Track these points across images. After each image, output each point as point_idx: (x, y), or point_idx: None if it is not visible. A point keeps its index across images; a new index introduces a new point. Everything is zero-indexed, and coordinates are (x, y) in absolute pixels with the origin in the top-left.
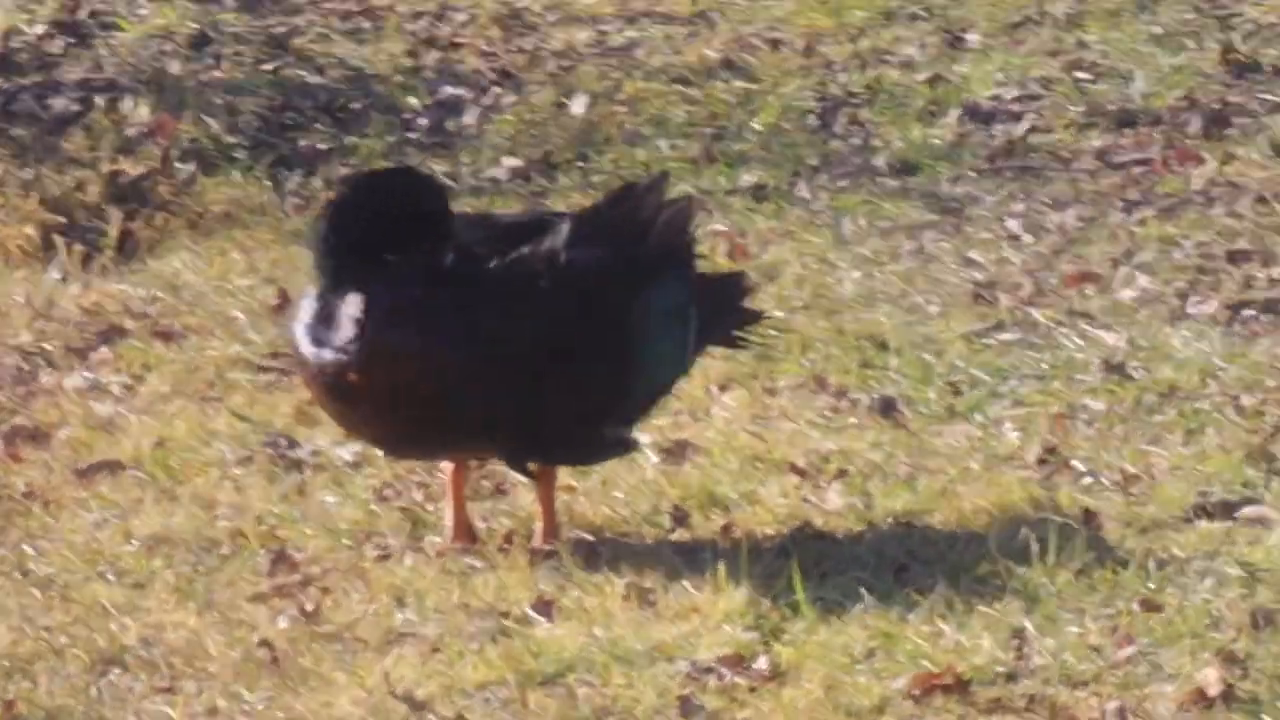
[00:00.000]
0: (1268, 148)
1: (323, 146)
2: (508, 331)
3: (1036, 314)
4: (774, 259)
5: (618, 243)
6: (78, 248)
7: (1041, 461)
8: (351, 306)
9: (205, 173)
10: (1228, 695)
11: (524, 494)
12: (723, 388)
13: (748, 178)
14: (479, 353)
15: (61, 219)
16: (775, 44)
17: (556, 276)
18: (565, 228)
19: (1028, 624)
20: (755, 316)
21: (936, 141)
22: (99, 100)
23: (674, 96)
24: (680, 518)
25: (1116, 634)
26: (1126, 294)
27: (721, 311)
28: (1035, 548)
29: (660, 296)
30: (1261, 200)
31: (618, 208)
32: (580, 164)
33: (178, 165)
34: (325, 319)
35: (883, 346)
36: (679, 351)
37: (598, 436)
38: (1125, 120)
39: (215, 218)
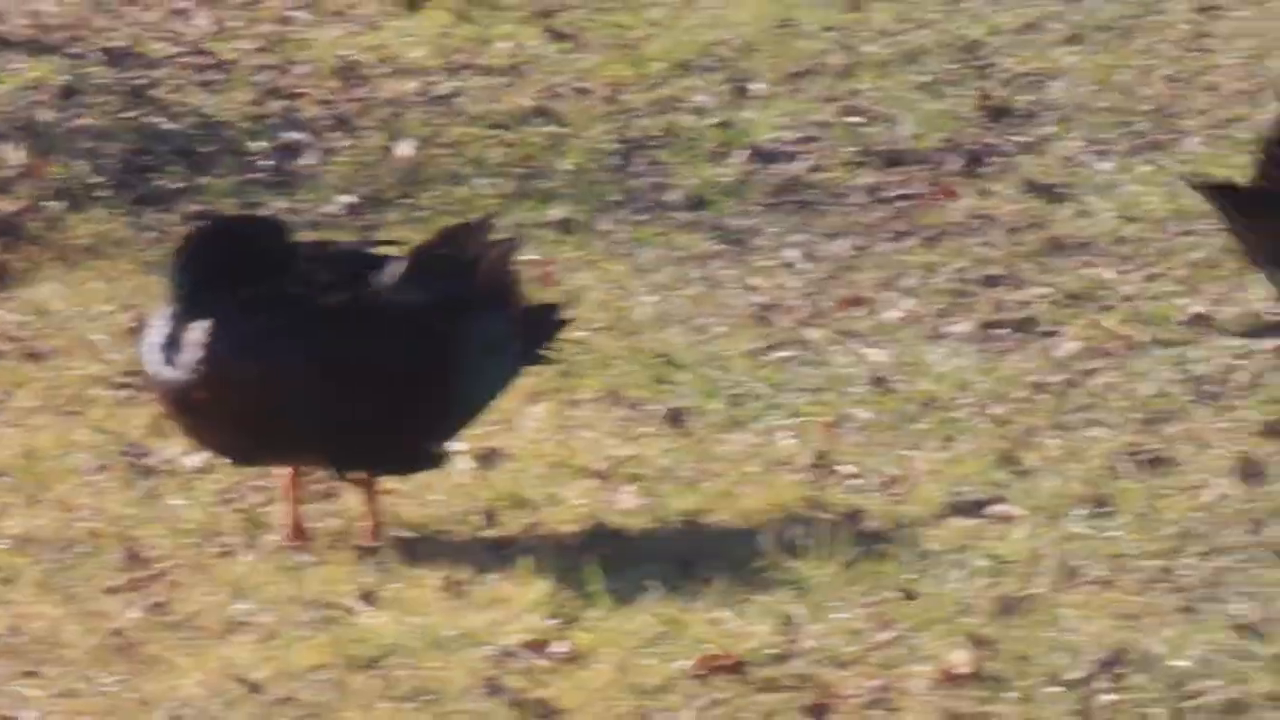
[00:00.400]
0: (1019, 184)
1: (177, 186)
2: (337, 359)
3: (811, 333)
4: (578, 285)
5: (445, 277)
6: None
7: (813, 466)
8: (197, 331)
9: (73, 210)
10: (976, 674)
11: (351, 497)
12: (530, 400)
13: (556, 212)
14: (310, 378)
15: None
16: (582, 93)
17: (386, 308)
18: (397, 262)
19: (799, 611)
20: (558, 328)
21: (724, 179)
22: None
23: (491, 140)
24: (491, 517)
25: (877, 620)
26: (891, 315)
27: (537, 339)
28: (806, 543)
29: (483, 328)
30: (1013, 230)
31: (447, 245)
32: (407, 201)
33: (48, 203)
34: (174, 341)
35: (673, 363)
36: (498, 377)
37: (418, 451)
38: (893, 160)
39: (81, 250)
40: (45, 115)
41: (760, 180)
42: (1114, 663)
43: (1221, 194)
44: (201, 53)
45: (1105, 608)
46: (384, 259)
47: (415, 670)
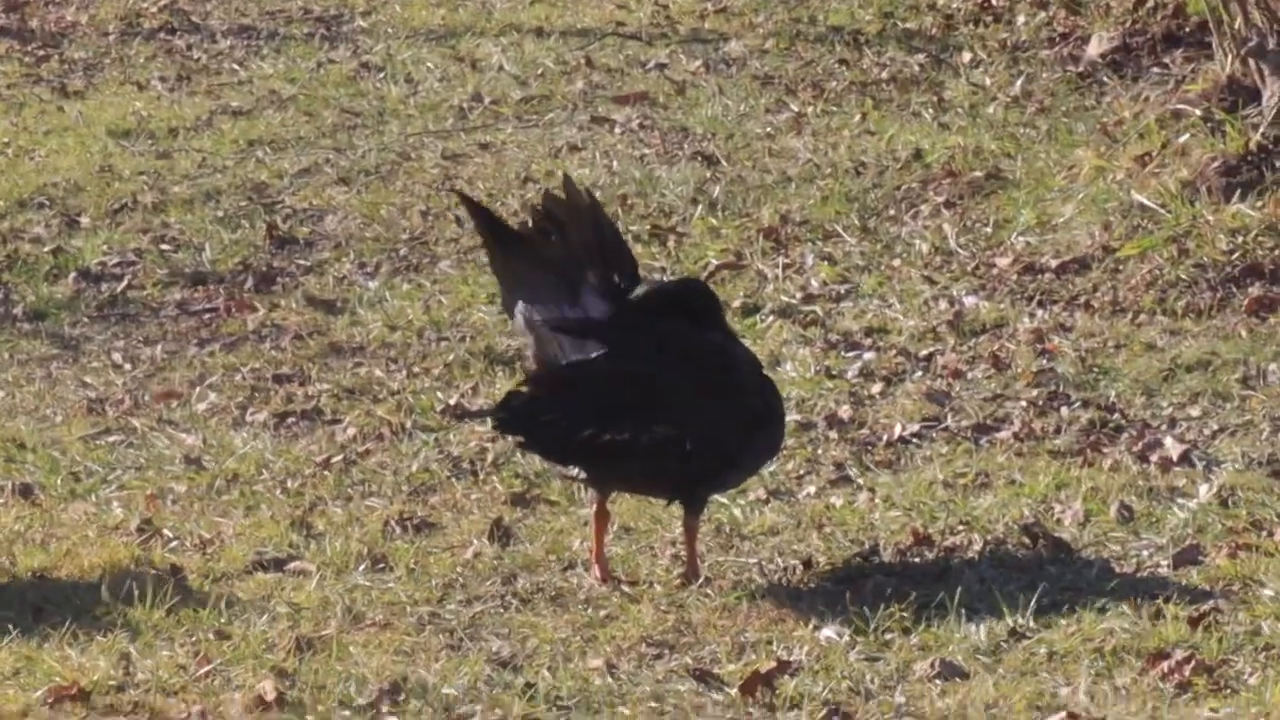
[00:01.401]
0: (302, 299)
1: None
2: None
3: (135, 421)
4: None
5: None
6: None
7: (140, 530)
8: None
9: None
10: (281, 700)
11: None
12: None
13: None
14: None
15: None
16: None
17: None
18: None
19: (132, 649)
20: None
21: (59, 296)
22: None
23: None
24: None
25: (198, 656)
26: (201, 406)
27: None
28: (137, 593)
29: None
30: (298, 338)
31: None
32: None
33: None
34: None
35: (21, 446)
36: None
37: None
38: (198, 280)
39: None
40: None
41: (89, 296)
42: (395, 691)
43: (491, 223)
44: None
45: (385, 645)
46: None
47: None
